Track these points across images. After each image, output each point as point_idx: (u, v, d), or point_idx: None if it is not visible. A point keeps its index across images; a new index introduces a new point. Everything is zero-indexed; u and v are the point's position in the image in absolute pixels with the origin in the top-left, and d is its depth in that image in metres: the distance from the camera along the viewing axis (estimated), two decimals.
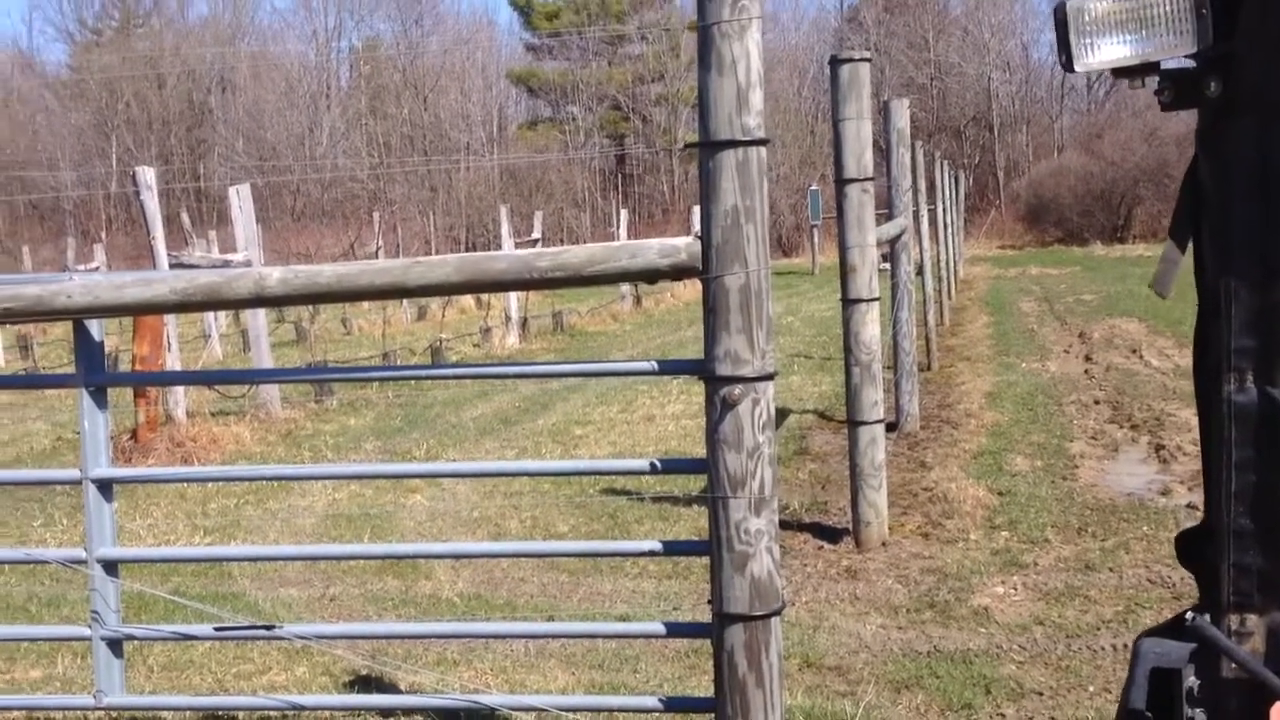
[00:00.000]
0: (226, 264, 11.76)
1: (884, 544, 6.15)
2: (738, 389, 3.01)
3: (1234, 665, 1.79)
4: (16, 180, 57.87)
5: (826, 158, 39.01)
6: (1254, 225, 1.76)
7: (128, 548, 5.71)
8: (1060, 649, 4.63)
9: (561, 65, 59.09)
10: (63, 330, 21.01)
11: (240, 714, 4.17)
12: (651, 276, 3.22)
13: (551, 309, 21.39)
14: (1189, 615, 1.72)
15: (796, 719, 3.95)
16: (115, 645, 3.66)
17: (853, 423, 6.33)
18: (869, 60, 6.24)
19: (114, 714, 4.16)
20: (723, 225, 2.99)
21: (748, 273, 3.00)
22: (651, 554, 3.59)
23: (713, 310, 3.03)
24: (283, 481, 8.18)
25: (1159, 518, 6.31)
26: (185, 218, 21.39)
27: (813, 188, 37.40)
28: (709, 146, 2.99)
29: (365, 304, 24.53)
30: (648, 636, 4.47)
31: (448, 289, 3.35)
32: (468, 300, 23.41)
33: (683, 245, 3.12)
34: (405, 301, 23.31)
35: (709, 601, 3.14)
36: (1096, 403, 9.87)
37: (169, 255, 11.35)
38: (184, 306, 3.54)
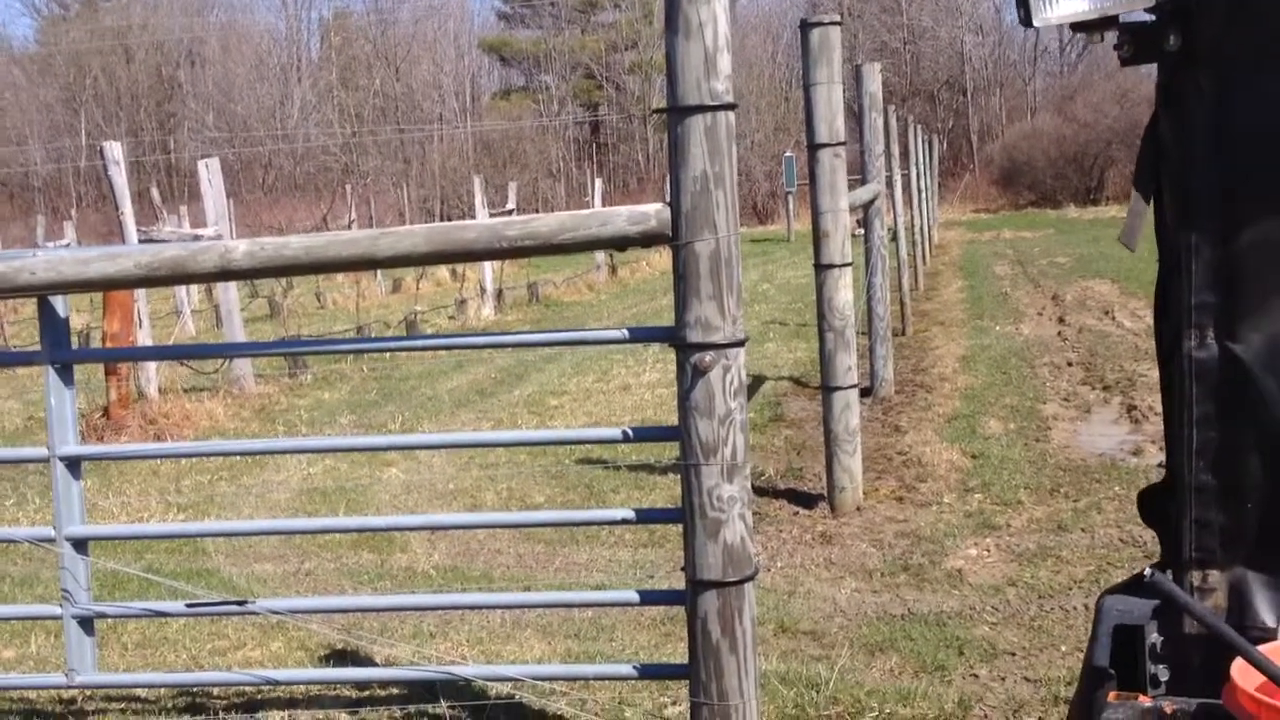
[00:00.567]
0: (197, 239, 11.65)
1: (859, 509, 6.17)
2: (709, 355, 3.00)
3: (1195, 621, 1.80)
4: None
5: (801, 124, 38.96)
6: (1213, 179, 1.76)
7: (98, 525, 5.68)
8: (1033, 609, 4.66)
9: (534, 34, 58.80)
10: (34, 308, 20.82)
11: (215, 690, 4.16)
12: (621, 244, 3.20)
13: (527, 280, 21.33)
14: (1148, 572, 1.73)
15: (771, 683, 3.97)
16: (86, 623, 3.64)
17: (827, 388, 6.34)
18: (839, 24, 6.21)
19: (87, 693, 4.15)
20: (692, 191, 2.98)
21: (717, 239, 2.98)
22: (625, 522, 3.59)
23: (683, 277, 3.02)
24: (257, 456, 8.15)
25: (1131, 478, 6.35)
26: (155, 193, 21.23)
27: (787, 154, 37.30)
28: (677, 112, 2.97)
29: (339, 278, 24.40)
30: (622, 605, 4.47)
31: (417, 259, 3.32)
32: (443, 273, 23.32)
33: (653, 212, 3.10)
34: (379, 275, 23.20)
35: (683, 569, 3.14)
36: (1069, 364, 9.91)
37: (139, 231, 11.26)
38: (149, 281, 3.50)
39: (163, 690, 4.19)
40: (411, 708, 3.92)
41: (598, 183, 29.44)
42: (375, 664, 4.43)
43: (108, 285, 3.74)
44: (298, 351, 11.96)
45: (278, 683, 3.87)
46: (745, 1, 57.30)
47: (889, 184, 11.67)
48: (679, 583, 3.23)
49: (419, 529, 6.03)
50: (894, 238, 12.65)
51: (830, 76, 6.12)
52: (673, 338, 3.07)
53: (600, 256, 23.92)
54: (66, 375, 3.61)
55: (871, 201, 8.96)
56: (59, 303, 3.61)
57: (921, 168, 18.12)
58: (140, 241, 10.78)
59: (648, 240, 3.15)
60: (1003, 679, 4.05)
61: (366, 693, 4.10)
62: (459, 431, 8.82)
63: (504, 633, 4.75)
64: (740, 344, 3.04)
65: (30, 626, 4.98)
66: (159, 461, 8.19)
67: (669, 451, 7.21)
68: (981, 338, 11.78)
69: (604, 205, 26.64)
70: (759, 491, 6.40)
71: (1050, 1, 1.77)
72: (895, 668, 4.18)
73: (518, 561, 5.74)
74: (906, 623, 4.60)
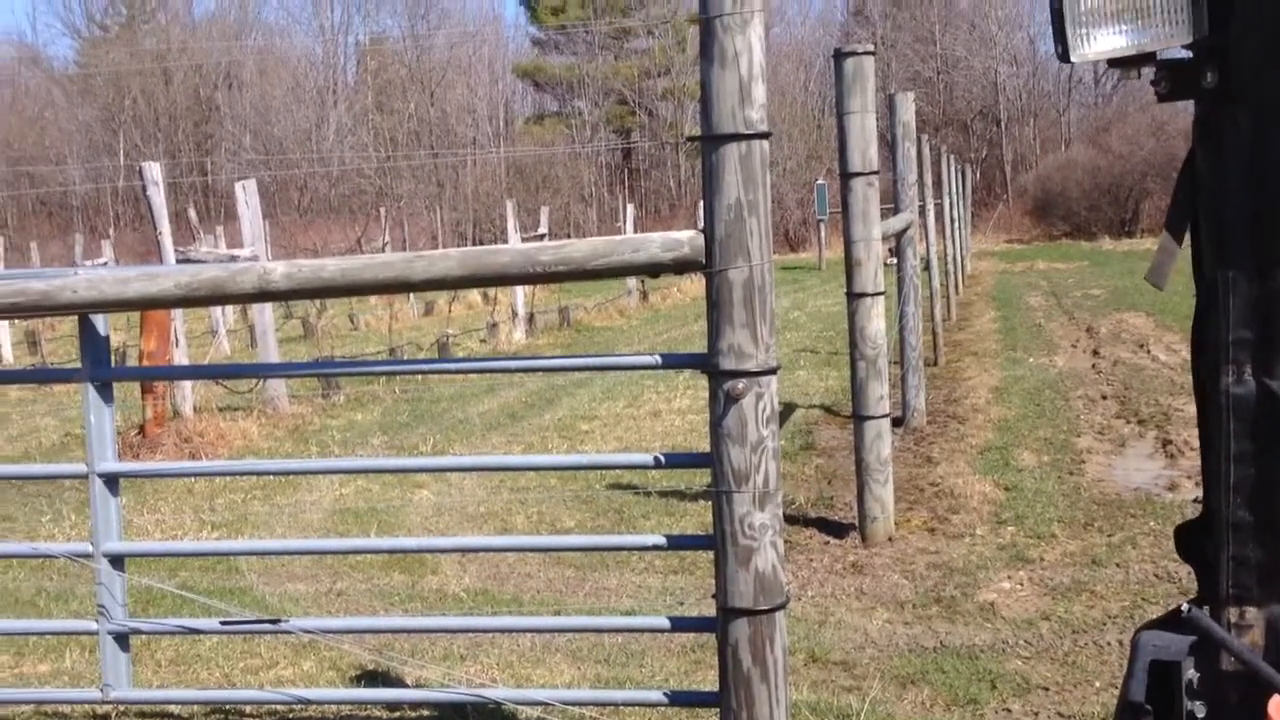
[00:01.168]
0: (233, 259, 11.77)
1: (890, 539, 6.15)
2: (741, 383, 3.01)
3: (1233, 658, 1.79)
4: (24, 176, 57.98)
5: (833, 152, 38.95)
6: (1250, 216, 1.76)
7: (134, 542, 5.73)
8: (1066, 644, 4.63)
9: (568, 59, 59.07)
10: (71, 326, 21.06)
11: (247, 708, 4.18)
12: (654, 270, 3.21)
13: (558, 304, 21.39)
14: (1185, 607, 1.71)
15: (802, 714, 3.96)
16: (122, 639, 3.67)
17: (858, 418, 6.33)
18: (873, 54, 6.23)
19: (121, 708, 4.18)
20: (725, 219, 2.99)
21: (751, 266, 3.00)
22: (656, 548, 3.60)
23: (716, 304, 3.03)
24: (290, 476, 8.20)
25: (1166, 513, 6.30)
26: (192, 213, 21.44)
27: (819, 182, 37.32)
28: (711, 140, 2.99)
29: (372, 300, 24.56)
30: (653, 631, 4.47)
31: (451, 283, 3.35)
32: (474, 296, 23.42)
33: (686, 239, 3.12)
34: (412, 297, 23.33)
35: (713, 596, 3.14)
36: (1104, 398, 9.85)
37: (176, 251, 11.37)
38: (188, 301, 3.54)
39: (196, 707, 4.22)
40: None
41: (629, 208, 29.52)
42: (406, 685, 4.45)
43: (147, 305, 3.78)
44: (331, 372, 12.02)
45: (310, 702, 3.89)
46: (778, 30, 57.47)
47: (922, 213, 11.66)
48: (709, 610, 3.23)
49: (450, 551, 6.05)
50: (926, 267, 12.63)
51: (864, 105, 6.14)
52: (705, 364, 3.08)
53: (632, 282, 23.98)
54: (106, 393, 3.66)
55: (904, 231, 8.95)
56: (99, 321, 3.66)
57: (954, 197, 18.09)
58: (178, 261, 10.89)
59: (681, 267, 3.16)
60: (1036, 714, 4.02)
61: (397, 714, 4.11)
62: (490, 455, 8.85)
63: (534, 656, 4.75)
64: (773, 371, 3.04)
65: (65, 642, 5.03)
66: (193, 480, 8.25)
67: (699, 478, 7.21)
68: (1015, 369, 11.72)
69: (635, 231, 26.73)
70: (789, 520, 6.39)
71: (1088, 38, 1.78)
72: (927, 700, 4.16)
73: (548, 586, 5.75)
74: (938, 655, 4.57)
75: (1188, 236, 1.91)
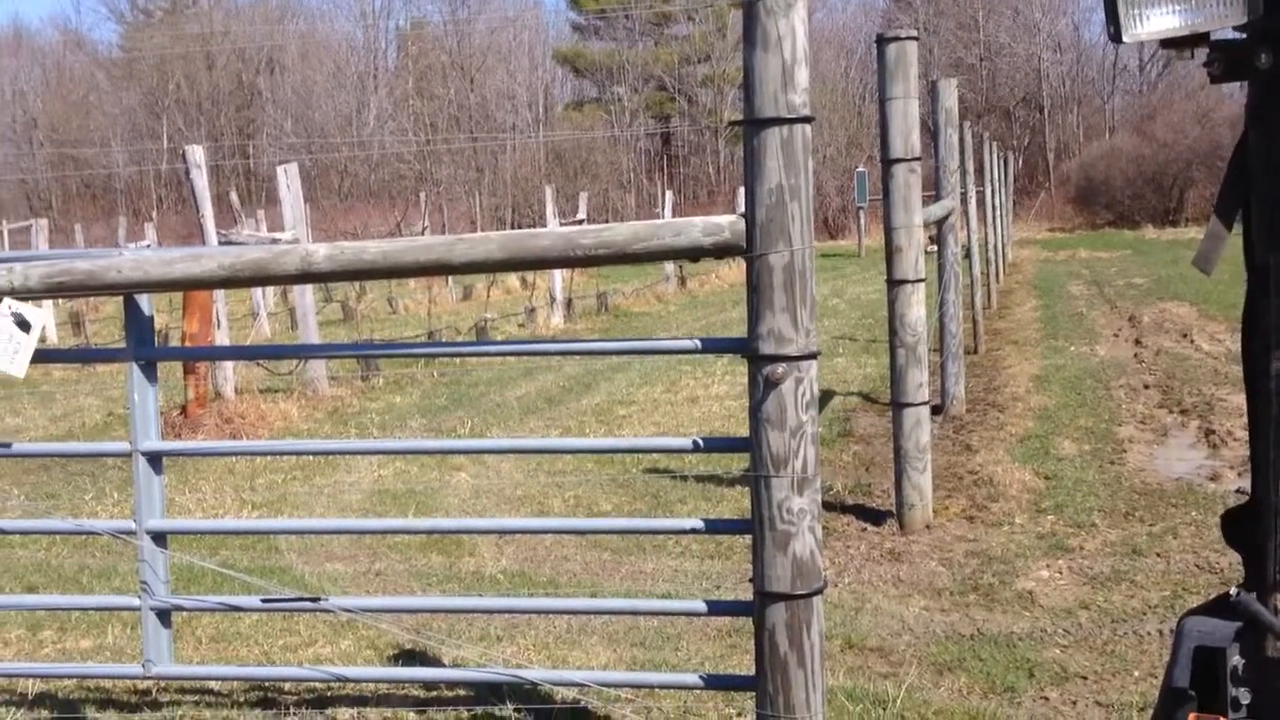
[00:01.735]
0: (275, 243, 11.85)
1: (928, 527, 6.13)
2: (781, 367, 3.00)
3: (1279, 644, 1.77)
4: (69, 158, 58.62)
5: (874, 139, 38.72)
6: None
7: (176, 520, 5.79)
8: (1105, 633, 4.60)
9: (608, 45, 59.02)
10: (114, 307, 21.27)
11: (286, 685, 4.22)
12: (695, 254, 3.20)
13: (596, 289, 21.41)
14: (1234, 592, 1.70)
15: (838, 699, 3.95)
16: (164, 615, 3.71)
17: (897, 405, 6.30)
18: (916, 39, 6.19)
19: (162, 684, 4.23)
20: (767, 203, 2.98)
21: (792, 251, 2.99)
22: (694, 532, 3.59)
23: (756, 289, 3.03)
24: (329, 457, 8.26)
25: (1208, 503, 6.24)
26: (234, 197, 21.52)
27: (860, 169, 37.15)
28: (754, 124, 2.98)
29: (411, 284, 24.68)
30: (689, 614, 4.48)
31: (491, 266, 3.35)
32: (513, 280, 23.48)
33: (727, 223, 3.11)
34: (451, 281, 23.42)
35: (750, 580, 3.14)
36: (1146, 387, 9.76)
37: (218, 234, 11.45)
38: (231, 282, 3.56)
39: (235, 684, 4.26)
40: (478, 709, 3.95)
41: (668, 194, 29.50)
42: (443, 665, 4.48)
43: (191, 285, 3.81)
44: (371, 354, 12.11)
45: (348, 680, 3.93)
46: (820, 16, 57.17)
47: (963, 200, 11.58)
48: (746, 594, 3.23)
49: (487, 533, 6.09)
50: (967, 255, 12.53)
51: (906, 91, 6.10)
52: (745, 349, 3.07)
53: (670, 267, 23.96)
54: (150, 372, 3.69)
55: (945, 218, 8.90)
56: (144, 302, 3.70)
57: (996, 185, 17.94)
58: (220, 244, 10.98)
59: (721, 251, 3.15)
60: (1074, 703, 3.99)
61: (434, 693, 4.14)
62: (527, 438, 8.88)
63: (570, 638, 4.77)
64: (813, 357, 3.03)
65: (107, 618, 5.09)
66: (234, 460, 8.33)
67: (736, 463, 7.21)
68: (1056, 358, 11.63)
69: (674, 217, 26.69)
70: (827, 507, 6.38)
71: (1141, 18, 1.76)
72: (964, 688, 4.15)
73: (584, 568, 5.77)
74: (976, 643, 4.56)
75: (1237, 223, 1.89)
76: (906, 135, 6.14)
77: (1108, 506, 6.32)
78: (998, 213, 18.21)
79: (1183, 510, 6.17)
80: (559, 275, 18.81)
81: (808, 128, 2.99)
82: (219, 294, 11.09)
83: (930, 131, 9.17)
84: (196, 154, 11.37)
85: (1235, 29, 1.77)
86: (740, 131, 3.02)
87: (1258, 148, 1.79)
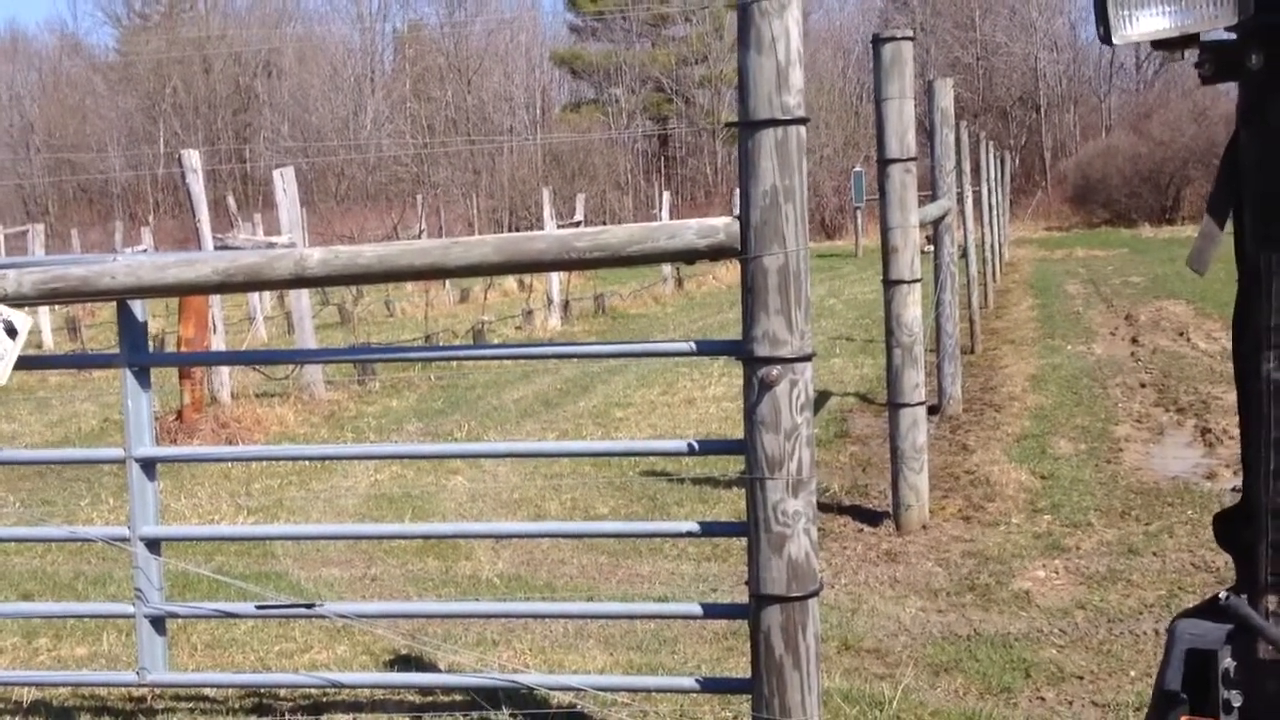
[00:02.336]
0: (271, 247, 11.83)
1: (924, 527, 6.12)
2: (775, 369, 3.00)
3: (1270, 646, 1.77)
4: (65, 163, 58.60)
5: (870, 139, 38.71)
6: None
7: (171, 526, 5.78)
8: (1101, 633, 4.59)
9: (605, 47, 59.03)
10: (110, 312, 21.25)
11: (282, 691, 4.21)
12: (690, 257, 3.20)
13: (593, 292, 21.40)
14: (1223, 595, 1.69)
15: (834, 701, 3.95)
16: (158, 622, 3.71)
17: (894, 405, 6.30)
18: (912, 39, 6.18)
19: (157, 691, 4.22)
20: (761, 205, 2.98)
21: (786, 253, 2.98)
22: (690, 535, 3.59)
23: (751, 291, 3.02)
24: (325, 462, 8.25)
25: (1204, 502, 6.24)
26: (231, 201, 21.55)
27: (856, 169, 37.17)
28: (748, 126, 2.98)
29: (408, 287, 24.66)
30: (685, 617, 4.47)
31: (487, 269, 3.35)
32: (510, 283, 23.47)
33: (721, 225, 3.11)
34: (448, 284, 23.41)
35: (746, 583, 3.14)
36: (1142, 386, 9.76)
37: (214, 238, 11.45)
38: (226, 287, 3.56)
39: (231, 690, 4.25)
40: (474, 714, 3.94)
41: (665, 196, 29.51)
42: (439, 670, 4.47)
43: (186, 290, 3.81)
44: (367, 359, 12.09)
45: (343, 686, 3.92)
46: (817, 16, 57.21)
47: (960, 200, 11.58)
48: (742, 597, 3.22)
49: (484, 537, 6.08)
50: (964, 254, 12.53)
51: (902, 91, 6.09)
52: (740, 351, 3.07)
53: (667, 269, 23.96)
54: (144, 378, 3.69)
55: (942, 218, 8.90)
56: (138, 307, 3.69)
57: (993, 184, 17.95)
58: (216, 248, 10.97)
59: (716, 253, 3.15)
60: (1070, 703, 3.99)
61: (430, 698, 4.13)
62: (524, 441, 8.87)
63: (566, 642, 4.76)
64: (808, 359, 3.03)
65: (102, 625, 5.08)
66: (230, 465, 8.32)
67: (732, 465, 7.20)
68: (1052, 357, 11.63)
69: (671, 218, 26.70)
70: (823, 508, 6.37)
71: (1130, 19, 1.76)
72: (960, 689, 4.14)
73: (581, 572, 5.76)
74: (972, 643, 4.55)
75: (1230, 222, 1.88)
76: (902, 135, 6.13)
77: (1104, 506, 6.31)
78: (994, 212, 18.21)
79: (1179, 509, 6.17)
80: (556, 278, 18.80)
81: (802, 129, 2.99)
82: (215, 298, 11.09)
83: (927, 131, 9.17)
84: (193, 158, 11.36)
85: (1226, 29, 1.76)
86: (736, 132, 3.02)
87: (1249, 147, 1.79)
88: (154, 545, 3.69)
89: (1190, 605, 1.99)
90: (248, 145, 59.39)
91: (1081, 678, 4.18)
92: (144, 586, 3.64)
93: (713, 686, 3.60)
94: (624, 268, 3.46)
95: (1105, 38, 1.78)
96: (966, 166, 12.48)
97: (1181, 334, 12.53)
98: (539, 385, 11.95)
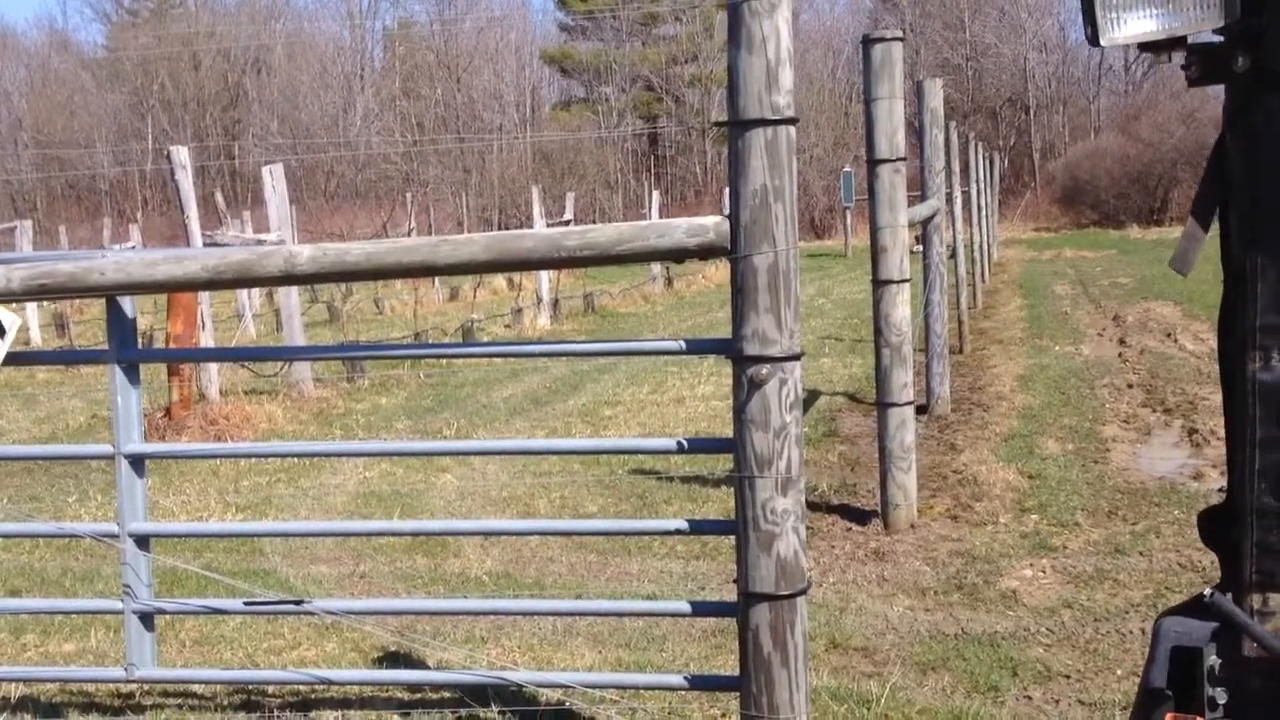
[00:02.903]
0: (260, 244, 11.81)
1: (912, 526, 6.14)
2: (765, 368, 3.01)
3: (1255, 644, 1.78)
4: (54, 160, 58.37)
5: (860, 139, 38.79)
6: None
7: (160, 523, 5.77)
8: (1088, 632, 4.61)
9: (595, 46, 59.00)
10: (99, 309, 21.18)
11: (270, 688, 4.21)
12: (679, 256, 3.21)
13: (583, 290, 21.40)
14: (1208, 593, 1.71)
15: (822, 699, 3.96)
16: (147, 619, 3.70)
17: (882, 405, 6.31)
18: (901, 40, 6.20)
19: (145, 687, 4.22)
20: (751, 204, 2.99)
21: (776, 252, 2.99)
22: (678, 533, 3.60)
23: (740, 290, 3.03)
24: (314, 459, 8.24)
25: (1190, 502, 6.27)
26: (220, 198, 21.48)
27: (846, 169, 37.21)
28: (738, 125, 2.99)
29: (397, 285, 24.64)
30: (674, 615, 4.48)
31: (475, 267, 3.36)
32: (499, 281, 23.46)
33: (711, 224, 3.12)
34: (437, 282, 23.39)
35: (735, 581, 3.15)
36: (1130, 386, 9.80)
37: (203, 235, 11.42)
38: (215, 284, 3.56)
39: (219, 687, 4.25)
40: (463, 711, 3.95)
41: (655, 195, 29.51)
42: (428, 667, 4.47)
43: (174, 287, 3.81)
44: (356, 356, 12.08)
45: (332, 682, 3.92)
46: (807, 16, 57.25)
47: (949, 201, 11.61)
48: (730, 595, 3.23)
49: (472, 534, 6.08)
50: (953, 255, 12.57)
51: (892, 92, 6.11)
52: (729, 350, 3.08)
53: (656, 268, 23.97)
54: (133, 375, 3.68)
55: (931, 218, 8.92)
56: (127, 303, 3.69)
57: (982, 185, 17.98)
58: (205, 245, 10.94)
59: (706, 253, 3.16)
60: (1057, 701, 4.01)
61: (418, 695, 4.13)
62: (513, 439, 8.87)
63: (555, 640, 4.77)
64: (797, 358, 3.04)
65: (90, 621, 5.07)
66: (218, 462, 8.31)
67: (722, 464, 7.21)
68: (1040, 357, 11.67)
69: (661, 217, 26.69)
70: (812, 507, 6.39)
71: (1118, 21, 1.76)
72: (948, 687, 4.16)
73: (570, 570, 5.76)
74: (959, 642, 4.57)
75: (1215, 223, 1.89)
76: (891, 135, 6.15)
77: (1091, 505, 6.34)
78: (983, 213, 18.25)
79: (1165, 509, 6.20)
80: (545, 276, 18.80)
81: (792, 129, 3.00)
82: (204, 295, 11.06)
83: (916, 132, 9.19)
84: (182, 155, 11.33)
85: (1213, 32, 1.77)
86: (726, 132, 3.03)
87: (1235, 150, 1.80)
88: (142, 541, 3.69)
89: (1175, 604, 2.00)
90: (237, 142, 59.25)
91: (1068, 676, 4.20)
92: (132, 583, 3.64)
93: (701, 684, 3.61)
94: (614, 266, 3.47)
95: (1093, 39, 1.79)
96: (955, 167, 12.51)
97: (1169, 335, 12.58)
98: (528, 383, 11.95)
